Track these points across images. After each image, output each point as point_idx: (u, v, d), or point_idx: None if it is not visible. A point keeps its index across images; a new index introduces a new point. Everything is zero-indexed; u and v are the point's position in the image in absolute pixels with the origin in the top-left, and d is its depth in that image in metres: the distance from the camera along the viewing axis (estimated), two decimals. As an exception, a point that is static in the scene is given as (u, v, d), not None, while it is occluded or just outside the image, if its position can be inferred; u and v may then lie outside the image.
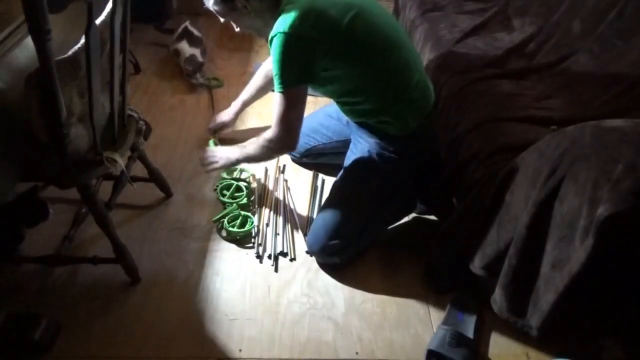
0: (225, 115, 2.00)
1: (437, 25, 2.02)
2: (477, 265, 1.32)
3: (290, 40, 1.25)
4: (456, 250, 1.39)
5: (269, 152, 1.47)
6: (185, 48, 2.33)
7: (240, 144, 1.57)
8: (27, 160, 1.16)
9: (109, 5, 1.06)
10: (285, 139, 1.40)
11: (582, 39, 1.74)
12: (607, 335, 1.19)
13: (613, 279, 1.10)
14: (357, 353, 1.33)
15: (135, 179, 1.58)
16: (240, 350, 1.32)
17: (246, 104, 2.00)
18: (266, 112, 2.23)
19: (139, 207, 1.71)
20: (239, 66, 2.56)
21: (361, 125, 1.54)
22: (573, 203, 1.10)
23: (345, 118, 1.67)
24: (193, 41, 2.38)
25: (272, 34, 1.28)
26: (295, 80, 1.32)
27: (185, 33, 2.41)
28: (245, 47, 2.74)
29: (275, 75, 1.31)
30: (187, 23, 2.43)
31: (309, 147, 1.83)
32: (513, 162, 1.27)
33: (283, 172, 1.90)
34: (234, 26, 1.44)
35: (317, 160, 1.87)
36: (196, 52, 2.34)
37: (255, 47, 2.74)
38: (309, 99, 2.28)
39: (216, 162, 1.63)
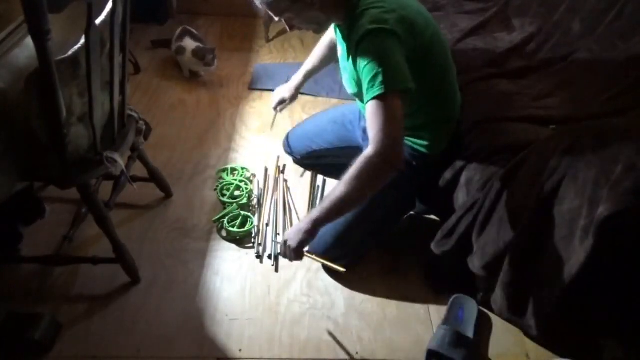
0: (285, 92, 1.77)
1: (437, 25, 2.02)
2: (477, 265, 1.32)
3: (383, 38, 1.14)
4: (456, 250, 1.39)
5: (373, 173, 1.17)
6: (189, 43, 2.34)
7: (310, 215, 1.28)
8: (27, 160, 1.16)
9: (109, 5, 1.06)
10: (390, 153, 1.15)
11: (582, 38, 1.74)
12: (607, 335, 1.19)
13: (613, 279, 1.10)
14: (357, 353, 1.33)
15: (135, 179, 1.58)
16: (240, 350, 1.32)
17: (308, 76, 1.74)
18: (266, 112, 2.23)
19: (139, 207, 1.71)
20: (239, 66, 2.56)
21: None
22: (573, 203, 1.10)
23: (356, 125, 1.67)
24: (195, 38, 2.39)
25: (363, 31, 1.14)
26: (399, 82, 1.14)
27: (185, 32, 2.41)
28: (245, 47, 2.74)
29: (373, 78, 1.13)
30: (184, 26, 2.45)
31: (310, 150, 1.82)
32: (513, 162, 1.27)
33: (283, 172, 1.90)
34: (287, 27, 1.30)
35: (318, 162, 1.87)
36: (201, 45, 2.34)
37: (256, 47, 2.74)
38: (309, 98, 2.32)
39: (290, 247, 1.30)
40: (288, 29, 1.32)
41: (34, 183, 1.40)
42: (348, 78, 1.39)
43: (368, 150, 1.16)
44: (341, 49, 1.41)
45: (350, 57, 1.27)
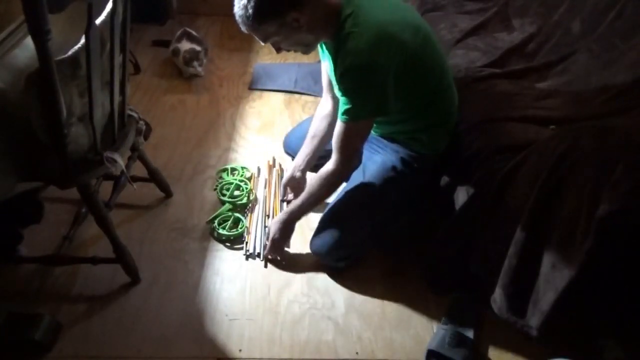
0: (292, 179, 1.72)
1: (437, 25, 2.02)
2: (477, 265, 1.32)
3: (368, 73, 1.20)
4: (456, 250, 1.39)
5: (336, 184, 1.44)
6: (185, 44, 2.35)
7: (287, 208, 1.52)
8: (27, 160, 1.16)
9: (109, 5, 1.06)
10: (348, 166, 1.39)
11: (582, 39, 1.74)
12: (607, 335, 1.19)
13: (612, 279, 1.10)
14: (357, 353, 1.33)
15: (135, 179, 1.58)
16: (240, 350, 1.32)
17: (310, 163, 1.68)
18: (266, 112, 2.23)
19: (139, 207, 1.71)
20: (239, 66, 2.56)
21: (387, 138, 1.51)
22: (573, 203, 1.10)
23: None
24: (193, 40, 2.40)
25: (346, 64, 1.21)
26: (369, 113, 1.29)
27: (184, 34, 2.42)
28: (245, 47, 2.74)
29: (348, 107, 1.26)
30: (185, 27, 2.46)
31: None
32: (513, 162, 1.27)
33: (274, 165, 1.90)
34: (274, 49, 1.32)
35: (317, 162, 1.87)
36: (196, 47, 2.35)
37: (255, 47, 2.74)
38: (309, 98, 2.32)
39: (274, 239, 1.52)
40: (275, 52, 1.32)
41: (39, 187, 1.39)
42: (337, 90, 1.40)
43: (329, 167, 1.38)
44: (329, 65, 1.42)
45: (337, 75, 1.29)
